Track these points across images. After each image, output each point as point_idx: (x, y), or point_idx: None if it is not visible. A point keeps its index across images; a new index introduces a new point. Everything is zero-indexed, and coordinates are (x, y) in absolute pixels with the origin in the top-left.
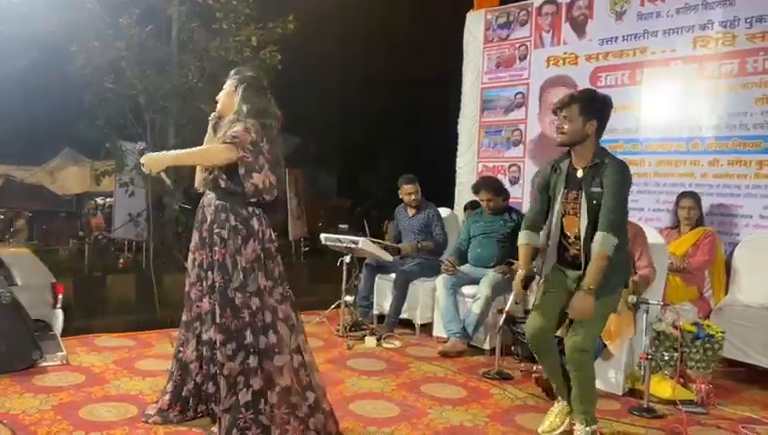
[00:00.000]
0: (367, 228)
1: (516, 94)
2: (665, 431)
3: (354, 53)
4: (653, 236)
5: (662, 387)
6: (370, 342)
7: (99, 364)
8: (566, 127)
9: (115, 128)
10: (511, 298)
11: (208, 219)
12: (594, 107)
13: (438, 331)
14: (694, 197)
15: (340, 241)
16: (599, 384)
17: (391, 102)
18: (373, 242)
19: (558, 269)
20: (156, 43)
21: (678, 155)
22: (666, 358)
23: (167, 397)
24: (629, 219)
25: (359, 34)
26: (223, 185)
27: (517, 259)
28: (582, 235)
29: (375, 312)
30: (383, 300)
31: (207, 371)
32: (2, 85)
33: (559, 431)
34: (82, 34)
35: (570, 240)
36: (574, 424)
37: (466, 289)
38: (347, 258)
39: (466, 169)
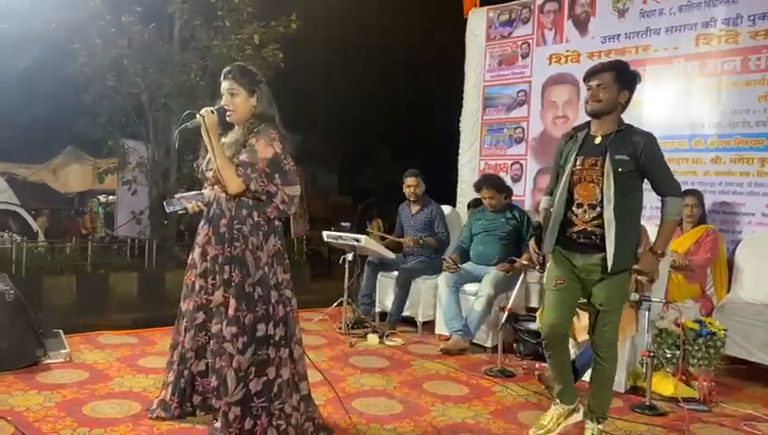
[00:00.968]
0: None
1: (518, 92)
2: (667, 429)
3: (355, 50)
4: (655, 234)
5: (664, 384)
6: (373, 339)
7: (102, 361)
8: (602, 95)
9: (117, 126)
10: (514, 293)
11: (227, 214)
12: (627, 77)
13: (440, 328)
14: (696, 194)
15: (342, 239)
16: None
17: (393, 100)
18: (375, 236)
19: (561, 257)
20: (158, 41)
21: (681, 153)
22: (668, 355)
23: (168, 389)
24: None
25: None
26: (248, 196)
27: (519, 257)
28: (606, 202)
29: (377, 309)
30: (385, 297)
31: (213, 363)
32: (4, 83)
33: None
34: (84, 32)
35: (581, 209)
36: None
37: (469, 287)
38: (349, 256)
39: (468, 167)
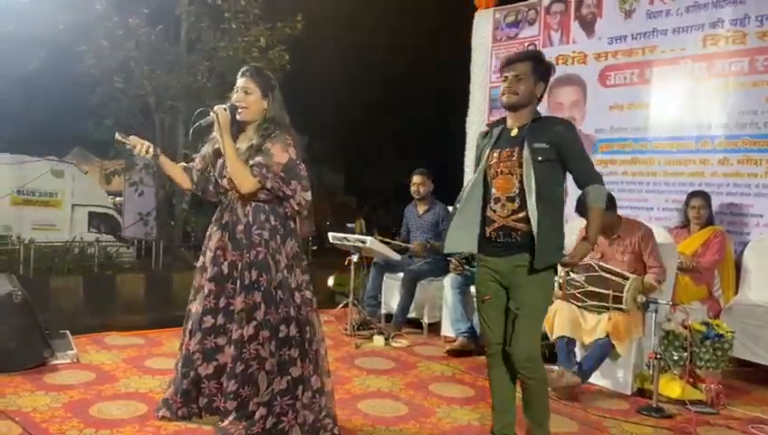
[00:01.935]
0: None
1: None
2: (674, 431)
3: (361, 52)
4: (662, 236)
5: (671, 387)
6: (378, 341)
7: (109, 362)
8: (521, 87)
9: (124, 127)
10: None
11: (243, 220)
12: (544, 68)
13: (446, 330)
14: (704, 196)
15: (348, 240)
16: (608, 383)
17: (399, 100)
18: (381, 241)
19: (482, 267)
20: (165, 43)
21: (688, 154)
22: (675, 358)
23: (171, 389)
24: (638, 219)
25: (365, 33)
26: (262, 197)
27: None
28: (527, 192)
29: (383, 311)
30: (391, 299)
31: (233, 368)
32: (11, 85)
33: None
34: (91, 34)
35: (499, 204)
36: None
37: (474, 289)
38: (354, 257)
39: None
